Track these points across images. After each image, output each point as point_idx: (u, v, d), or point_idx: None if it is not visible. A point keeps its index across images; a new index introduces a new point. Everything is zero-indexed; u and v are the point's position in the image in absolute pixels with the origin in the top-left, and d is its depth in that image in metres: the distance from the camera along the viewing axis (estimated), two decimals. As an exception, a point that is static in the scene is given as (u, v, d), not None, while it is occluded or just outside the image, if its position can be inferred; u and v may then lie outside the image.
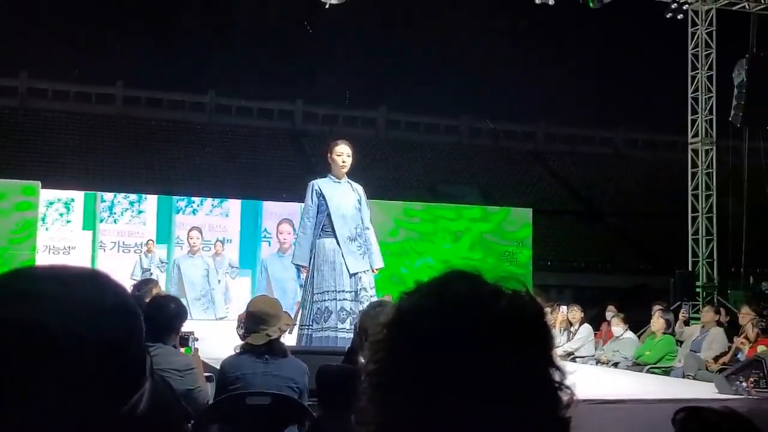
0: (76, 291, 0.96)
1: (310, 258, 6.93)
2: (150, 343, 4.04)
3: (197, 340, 6.14)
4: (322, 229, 6.97)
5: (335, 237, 6.93)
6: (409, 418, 0.97)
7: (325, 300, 6.83)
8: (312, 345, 6.66)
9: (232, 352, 4.72)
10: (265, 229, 13.55)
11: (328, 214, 6.95)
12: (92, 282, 1.00)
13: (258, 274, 12.64)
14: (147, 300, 5.46)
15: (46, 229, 15.38)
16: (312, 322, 6.81)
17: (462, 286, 1.02)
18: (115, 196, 13.87)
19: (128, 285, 9.33)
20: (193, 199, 14.25)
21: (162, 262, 15.61)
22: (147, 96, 34.23)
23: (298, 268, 7.13)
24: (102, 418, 0.94)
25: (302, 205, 7.33)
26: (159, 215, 12.99)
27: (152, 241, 15.89)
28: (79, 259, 14.13)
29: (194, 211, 13.53)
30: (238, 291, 12.69)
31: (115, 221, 13.39)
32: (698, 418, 1.98)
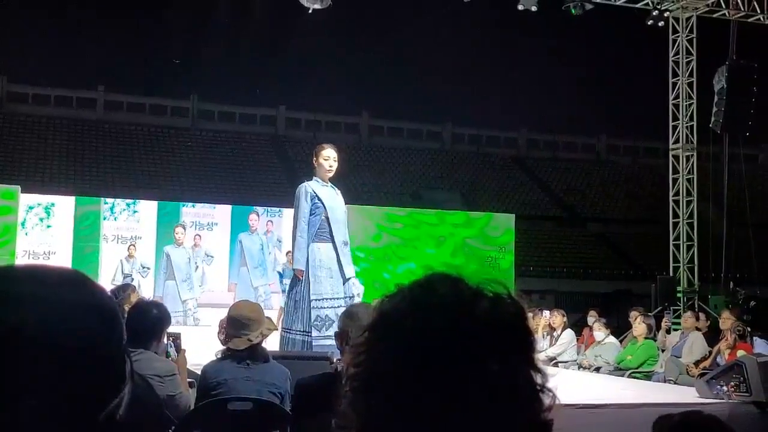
0: (53, 292, 0.95)
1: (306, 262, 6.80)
2: (132, 348, 4.01)
3: (180, 347, 6.10)
4: (316, 233, 6.85)
5: (333, 242, 6.84)
6: (391, 422, 0.96)
7: (324, 307, 6.70)
8: (312, 351, 6.53)
9: (214, 358, 4.69)
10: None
11: (326, 218, 6.84)
12: (71, 283, 0.98)
13: (236, 246, 15.28)
14: (125, 306, 5.43)
15: (26, 234, 15.29)
16: (311, 329, 6.66)
17: (443, 288, 1.02)
18: (115, 199, 15.86)
19: (108, 290, 9.40)
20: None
21: (144, 268, 15.69)
22: (129, 101, 34.05)
23: (290, 271, 6.97)
24: (79, 424, 0.92)
25: (289, 209, 7.21)
26: (158, 217, 15.21)
27: (134, 246, 15.90)
28: (60, 263, 14.06)
29: (193, 205, 16.37)
30: (213, 275, 15.14)
31: (115, 218, 15.14)
32: (668, 423, 2.00)
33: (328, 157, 6.96)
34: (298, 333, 6.70)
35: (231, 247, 15.32)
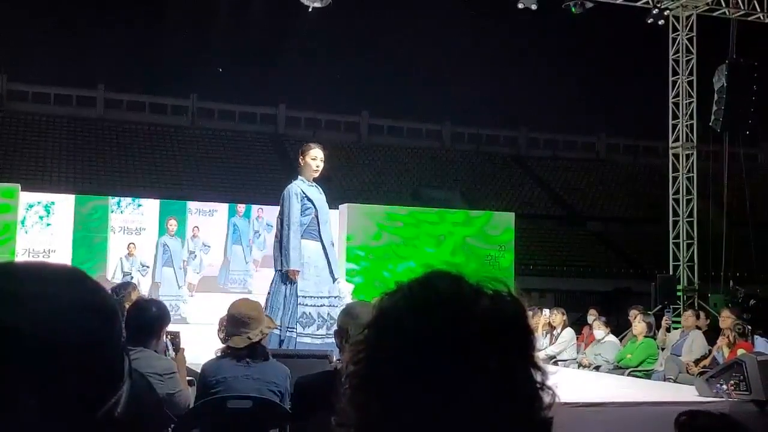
0: (51, 290, 0.94)
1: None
2: (131, 346, 4.01)
3: (179, 345, 6.10)
4: (306, 231, 6.84)
5: (321, 241, 6.84)
6: (389, 419, 0.96)
7: (307, 305, 6.71)
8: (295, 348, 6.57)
9: (213, 356, 4.69)
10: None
11: (316, 217, 6.84)
12: (69, 281, 0.98)
13: (230, 227, 16.70)
14: (126, 304, 5.42)
15: (26, 232, 15.32)
16: (297, 325, 6.67)
17: (443, 285, 1.01)
18: (120, 197, 17.02)
19: (108, 288, 9.52)
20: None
21: (143, 266, 15.82)
22: (128, 99, 34.03)
23: (285, 272, 6.90)
24: (77, 422, 0.91)
25: (279, 209, 7.12)
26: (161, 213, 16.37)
27: (133, 244, 15.96)
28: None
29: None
30: (210, 260, 16.50)
31: (121, 212, 16.28)
32: (692, 424, 2.00)
33: (316, 157, 6.95)
34: (286, 329, 6.68)
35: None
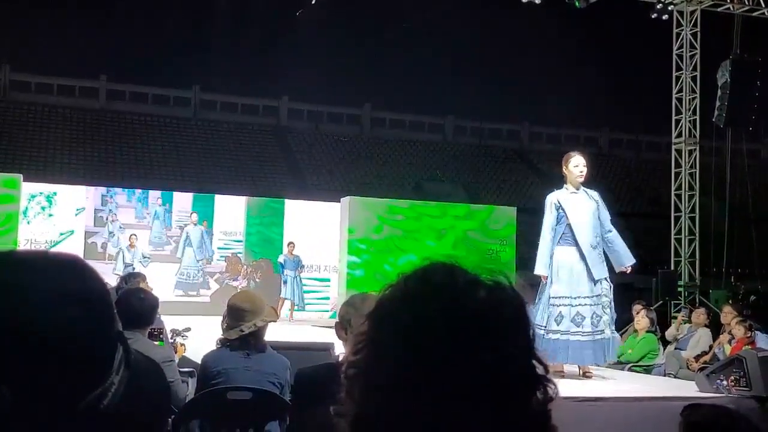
0: (32, 279, 0.92)
1: (549, 266, 7.20)
2: (128, 333, 4.01)
3: (186, 336, 6.11)
4: (561, 238, 7.22)
5: (577, 246, 7.18)
6: (387, 409, 0.96)
7: (559, 305, 7.09)
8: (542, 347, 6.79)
9: (214, 347, 4.70)
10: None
11: (569, 225, 7.21)
12: (57, 270, 0.95)
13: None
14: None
15: (28, 222, 15.34)
16: (547, 323, 7.04)
17: (437, 277, 1.02)
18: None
19: (113, 280, 9.59)
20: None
21: (144, 257, 15.87)
22: (131, 90, 34.00)
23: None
24: (56, 414, 0.89)
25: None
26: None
27: (135, 235, 15.99)
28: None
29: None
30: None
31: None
32: (695, 416, 2.01)
33: (578, 164, 7.41)
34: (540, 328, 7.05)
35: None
